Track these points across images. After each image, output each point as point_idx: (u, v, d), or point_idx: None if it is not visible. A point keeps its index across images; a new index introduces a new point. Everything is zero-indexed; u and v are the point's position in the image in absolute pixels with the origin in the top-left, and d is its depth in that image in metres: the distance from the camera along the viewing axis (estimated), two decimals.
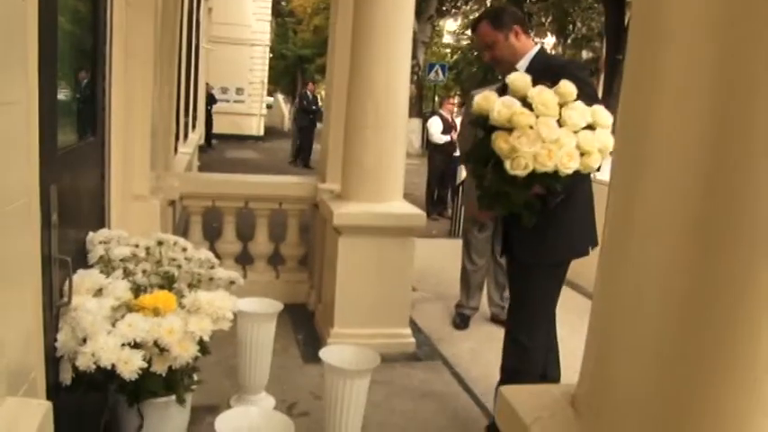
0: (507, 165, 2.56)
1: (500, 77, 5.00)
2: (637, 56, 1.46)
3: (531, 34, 3.19)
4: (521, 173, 2.54)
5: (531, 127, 2.55)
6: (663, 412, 1.37)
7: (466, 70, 33.83)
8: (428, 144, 12.51)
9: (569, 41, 31.62)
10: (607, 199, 1.52)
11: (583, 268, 5.76)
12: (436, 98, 23.95)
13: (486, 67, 29.93)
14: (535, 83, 2.70)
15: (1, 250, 1.56)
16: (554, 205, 2.92)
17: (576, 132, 2.58)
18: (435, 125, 10.74)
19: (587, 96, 2.75)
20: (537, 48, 3.15)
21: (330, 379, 3.01)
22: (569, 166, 2.53)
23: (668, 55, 1.31)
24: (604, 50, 24.28)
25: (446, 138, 10.26)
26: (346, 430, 3.00)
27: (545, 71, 2.91)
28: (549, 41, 33.31)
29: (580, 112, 2.59)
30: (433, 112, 15.06)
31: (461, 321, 5.20)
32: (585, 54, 32.14)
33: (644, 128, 1.39)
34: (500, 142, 2.58)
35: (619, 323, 1.43)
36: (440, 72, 23.27)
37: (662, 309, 1.36)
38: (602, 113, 2.64)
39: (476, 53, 32.74)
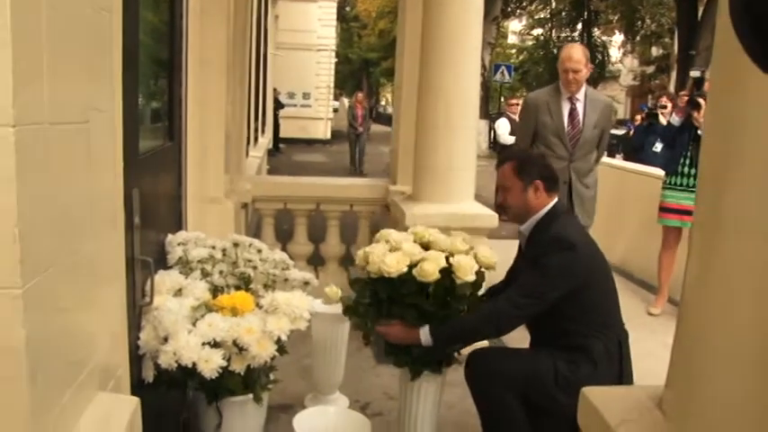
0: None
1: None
2: (725, 51, 1.41)
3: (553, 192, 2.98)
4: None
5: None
6: (758, 416, 1.32)
7: (532, 70, 33.46)
8: (496, 145, 12.43)
9: (638, 38, 30.96)
10: (695, 202, 1.49)
11: (654, 270, 5.66)
12: (502, 99, 23.77)
13: (552, 68, 29.55)
14: (527, 255, 2.97)
15: (91, 251, 1.61)
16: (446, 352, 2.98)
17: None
18: (503, 126, 10.76)
19: (542, 275, 2.77)
20: (548, 208, 2.93)
21: (405, 380, 3.01)
22: (391, 267, 2.78)
23: None
24: (676, 46, 23.69)
25: (514, 138, 10.18)
26: (421, 430, 3.00)
27: (538, 243, 2.88)
28: (618, 39, 32.68)
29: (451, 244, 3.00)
30: (500, 114, 14.96)
31: None
32: (655, 51, 31.40)
33: (733, 123, 1.35)
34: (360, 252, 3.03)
35: (710, 325, 1.39)
36: (505, 72, 23.09)
37: (755, 309, 1.31)
38: (465, 264, 2.85)
39: (542, 52, 32.38)
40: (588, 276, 2.84)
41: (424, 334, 2.85)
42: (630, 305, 5.04)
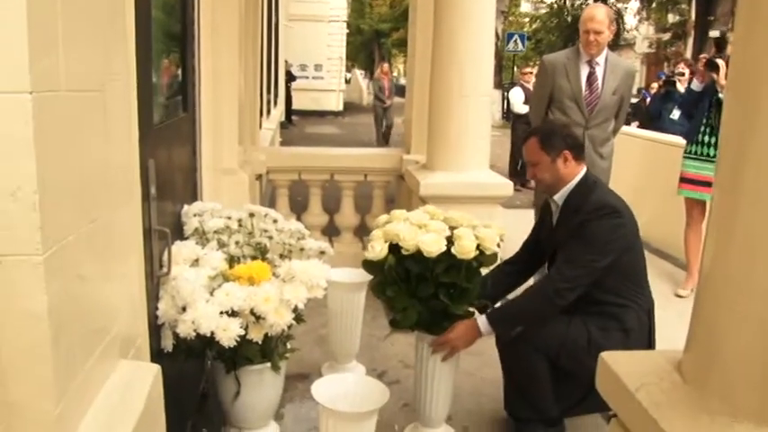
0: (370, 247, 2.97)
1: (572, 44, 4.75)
2: (748, 8, 1.38)
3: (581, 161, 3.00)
4: (377, 244, 2.91)
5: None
6: None
7: (545, 39, 33.08)
8: (510, 115, 12.40)
9: (654, 5, 30.48)
10: (716, 165, 1.47)
11: (674, 239, 5.62)
12: (515, 69, 23.56)
13: (566, 36, 29.22)
14: (561, 225, 2.97)
15: (109, 221, 1.61)
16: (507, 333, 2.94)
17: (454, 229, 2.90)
18: (517, 95, 10.76)
19: (589, 244, 2.77)
20: (579, 177, 2.95)
21: (421, 348, 3.02)
22: (432, 247, 2.76)
23: None
24: (693, 12, 23.34)
25: (528, 108, 10.13)
26: (438, 398, 3.01)
27: (576, 212, 2.86)
28: (633, 6, 32.20)
29: (465, 220, 2.98)
30: (514, 83, 14.85)
31: None
32: (672, 17, 30.94)
33: (756, 83, 1.33)
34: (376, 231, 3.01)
35: (732, 288, 1.38)
36: (518, 42, 22.84)
37: None
38: (490, 235, 2.87)
39: (555, 21, 31.99)
40: (630, 243, 2.87)
41: (483, 324, 2.87)
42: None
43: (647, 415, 1.44)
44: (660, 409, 1.44)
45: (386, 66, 17.69)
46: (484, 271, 2.99)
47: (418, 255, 2.80)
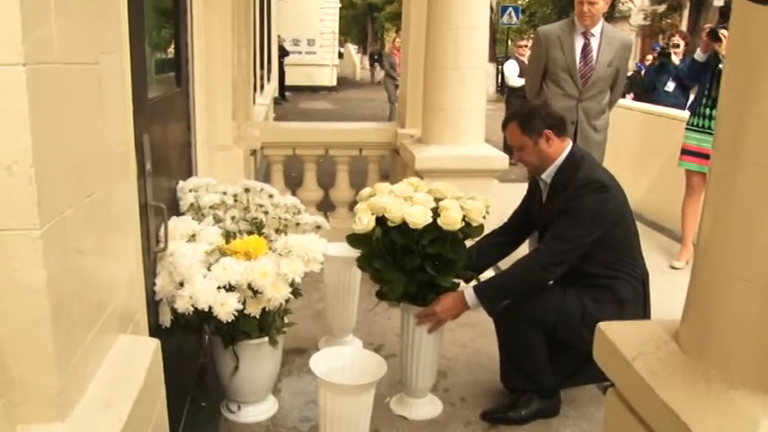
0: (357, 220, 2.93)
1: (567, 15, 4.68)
2: None
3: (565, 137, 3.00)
4: (364, 217, 2.88)
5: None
6: None
7: (540, 12, 32.83)
8: (505, 88, 12.36)
9: None
10: (714, 136, 1.47)
11: (670, 212, 5.63)
12: (510, 42, 23.42)
13: (560, 9, 28.99)
14: (551, 202, 2.97)
15: (106, 196, 1.60)
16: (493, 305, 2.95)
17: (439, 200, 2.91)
18: (512, 68, 10.73)
19: (577, 219, 2.79)
20: (566, 153, 2.95)
21: (406, 320, 3.03)
22: (418, 218, 2.77)
23: None
24: None
25: (523, 81, 10.08)
26: (423, 369, 3.04)
27: (564, 189, 2.86)
28: None
29: (450, 191, 2.99)
30: (508, 56, 14.78)
31: None
32: None
33: (756, 47, 1.32)
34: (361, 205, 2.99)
35: (731, 256, 1.39)
36: (513, 15, 22.68)
37: None
38: (477, 207, 2.90)
39: None
40: (619, 216, 2.88)
41: (469, 296, 2.89)
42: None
43: (644, 383, 1.46)
44: (657, 377, 1.45)
45: (398, 41, 17.55)
46: (469, 243, 3.01)
47: (404, 226, 2.81)
